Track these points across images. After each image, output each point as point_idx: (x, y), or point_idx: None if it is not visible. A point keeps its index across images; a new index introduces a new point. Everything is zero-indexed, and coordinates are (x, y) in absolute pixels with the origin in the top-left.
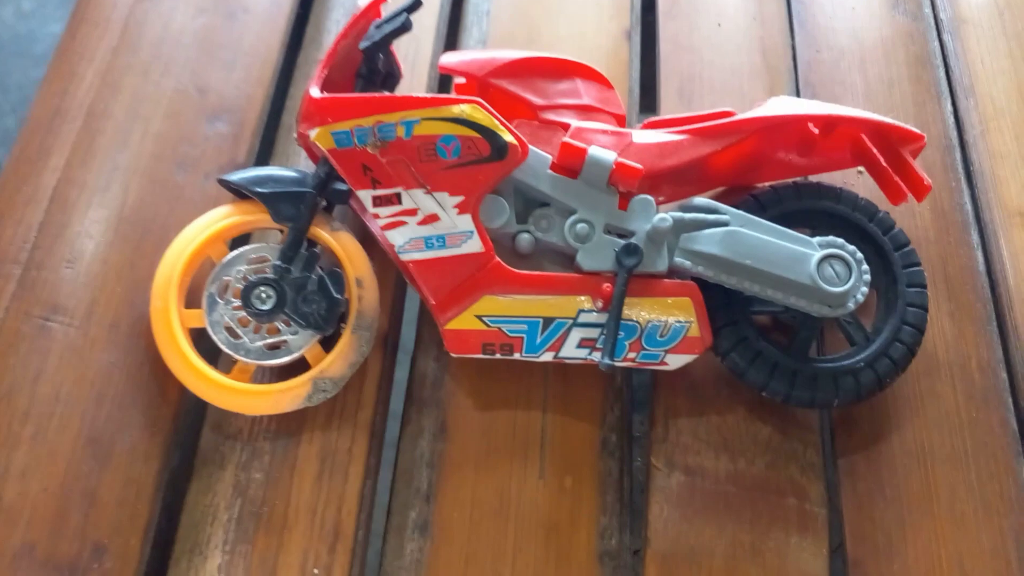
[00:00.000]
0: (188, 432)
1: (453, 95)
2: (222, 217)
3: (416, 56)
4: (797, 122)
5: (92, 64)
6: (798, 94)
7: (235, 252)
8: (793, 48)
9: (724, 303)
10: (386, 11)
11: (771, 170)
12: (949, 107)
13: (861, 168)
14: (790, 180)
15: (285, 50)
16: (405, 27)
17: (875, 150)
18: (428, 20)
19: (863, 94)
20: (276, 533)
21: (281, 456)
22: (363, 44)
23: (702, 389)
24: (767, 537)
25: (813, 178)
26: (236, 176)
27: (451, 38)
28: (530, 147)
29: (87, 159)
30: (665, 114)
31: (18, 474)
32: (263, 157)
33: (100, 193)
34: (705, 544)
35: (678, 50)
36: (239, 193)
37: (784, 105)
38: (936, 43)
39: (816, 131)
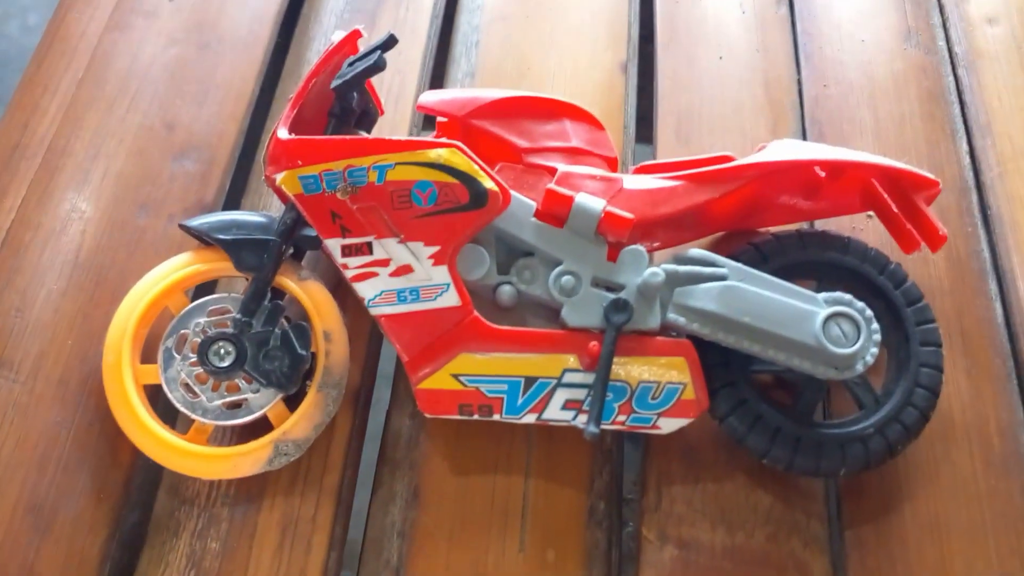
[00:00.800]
0: (141, 495)
1: (430, 138)
2: (182, 265)
3: (401, 91)
4: (802, 167)
5: (55, 97)
6: (804, 131)
7: (194, 303)
8: (799, 82)
9: (722, 362)
10: (364, 45)
11: (774, 215)
12: (965, 146)
13: (871, 212)
14: (794, 228)
15: (262, 83)
16: (378, 66)
17: (886, 196)
18: (414, 52)
19: (872, 132)
20: None
21: (240, 524)
22: (335, 83)
23: (698, 454)
24: None
25: (820, 224)
26: (197, 222)
27: (438, 71)
28: (513, 194)
29: (44, 199)
30: (661, 153)
31: None
32: (234, 198)
33: (55, 237)
34: None
35: (677, 85)
36: (202, 239)
37: (787, 149)
38: (951, 78)
39: (823, 175)
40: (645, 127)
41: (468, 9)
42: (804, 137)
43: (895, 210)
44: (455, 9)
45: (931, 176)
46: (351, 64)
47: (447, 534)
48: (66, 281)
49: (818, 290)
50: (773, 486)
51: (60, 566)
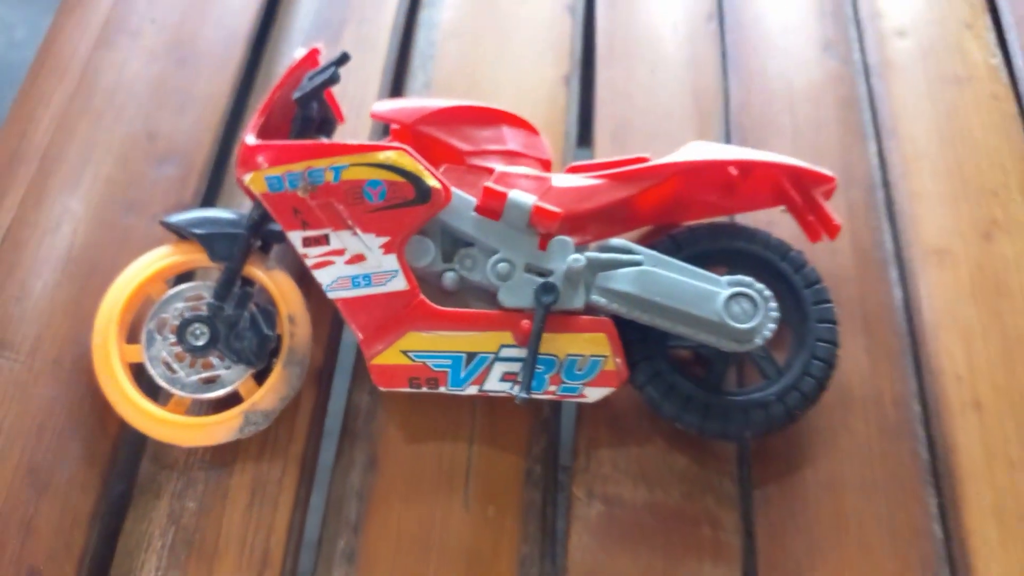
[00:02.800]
0: (128, 463)
1: (381, 142)
2: (162, 257)
3: (363, 100)
4: (715, 166)
5: (49, 109)
6: (728, 137)
7: (173, 290)
8: (725, 92)
9: (641, 338)
10: (324, 60)
11: (696, 210)
12: (874, 148)
13: (783, 207)
14: (707, 221)
15: (235, 95)
16: (333, 79)
17: (792, 192)
18: (375, 66)
19: (791, 136)
20: (207, 560)
21: (214, 486)
22: (296, 95)
23: (623, 421)
24: (681, 565)
25: (739, 218)
26: (175, 218)
27: (398, 82)
28: (454, 191)
29: (40, 200)
30: (600, 156)
31: None
32: (210, 198)
33: (51, 233)
34: (621, 572)
35: (613, 96)
36: (180, 233)
37: (699, 150)
38: (864, 86)
39: (736, 173)
40: (587, 133)
41: (425, 27)
42: (728, 141)
43: (800, 204)
44: (413, 26)
45: (828, 173)
46: (311, 78)
47: (400, 495)
48: (60, 273)
49: (728, 275)
50: (689, 449)
51: (56, 521)
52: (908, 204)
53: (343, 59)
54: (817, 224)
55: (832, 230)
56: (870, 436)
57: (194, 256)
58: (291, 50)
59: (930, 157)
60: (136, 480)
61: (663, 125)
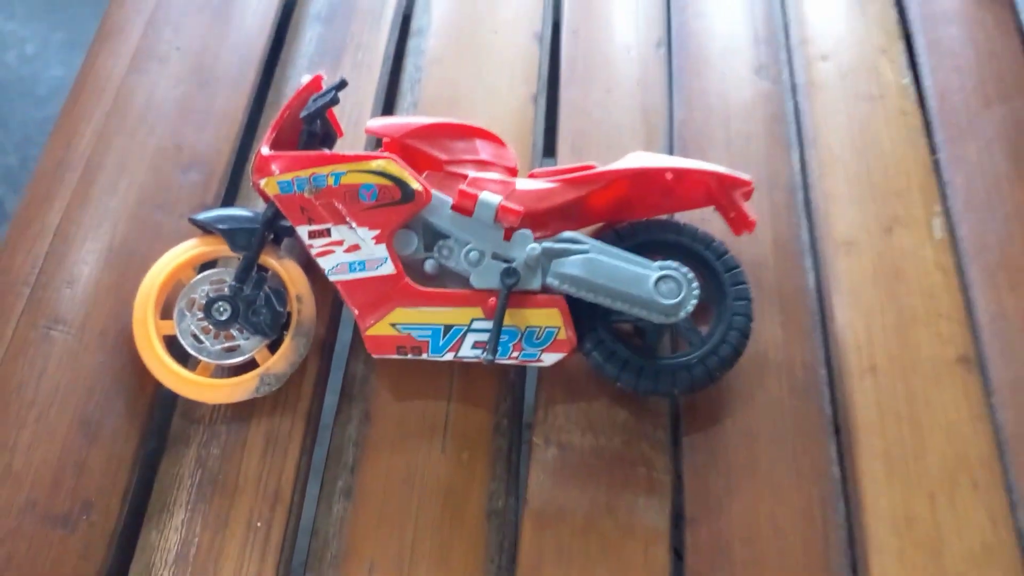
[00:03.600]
0: (162, 418)
1: (374, 153)
2: (190, 248)
3: (360, 115)
4: (652, 173)
5: (90, 124)
6: (671, 148)
7: (200, 275)
8: (670, 109)
9: (589, 314)
10: (327, 84)
11: (641, 209)
12: (796, 156)
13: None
14: (649, 217)
15: (249, 112)
16: (334, 101)
17: (717, 194)
18: (369, 87)
19: (725, 146)
20: (228, 496)
21: (235, 436)
22: (303, 114)
23: (575, 382)
24: (620, 499)
25: (679, 216)
26: (202, 216)
27: (389, 101)
28: (434, 192)
29: (84, 202)
30: (561, 164)
31: (24, 448)
32: (228, 199)
33: (94, 230)
34: (571, 503)
35: (574, 112)
36: (205, 229)
37: (638, 159)
38: (791, 103)
39: (671, 178)
40: (552, 144)
41: (413, 54)
42: (672, 152)
43: (723, 204)
44: (403, 53)
45: (746, 177)
46: (315, 100)
47: (390, 443)
48: (103, 261)
49: (659, 261)
50: (629, 404)
51: (103, 464)
52: (823, 203)
53: (342, 84)
54: (738, 220)
55: (749, 225)
56: (782, 394)
57: (218, 247)
58: (298, 73)
59: (844, 163)
60: (169, 432)
61: (616, 138)
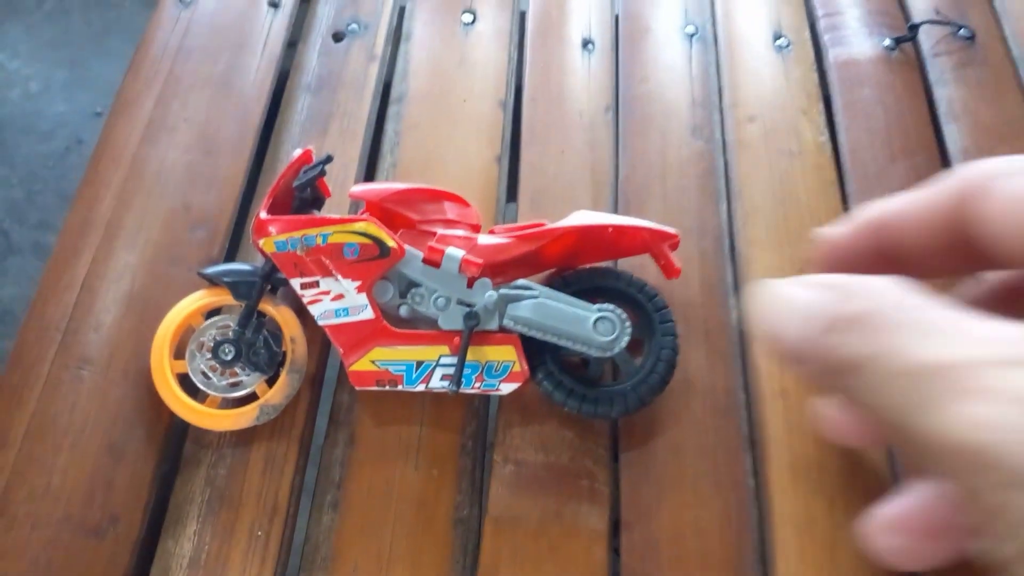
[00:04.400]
0: (176, 443)
1: (356, 215)
2: (199, 298)
3: (345, 176)
4: (596, 229)
5: (110, 189)
6: (616, 202)
7: (208, 321)
8: (616, 167)
9: (539, 349)
10: (317, 154)
11: (587, 258)
12: (724, 207)
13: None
14: (591, 265)
15: (248, 175)
16: (321, 173)
17: (650, 245)
18: (354, 151)
19: (662, 200)
20: (233, 509)
21: (239, 458)
22: (295, 184)
23: (530, 408)
24: (566, 506)
25: (622, 263)
26: (209, 270)
27: (372, 161)
28: (407, 248)
29: (107, 258)
30: (521, 218)
31: (61, 470)
32: (231, 253)
33: (116, 282)
34: (525, 511)
35: (532, 171)
36: (211, 281)
37: (583, 217)
38: (721, 160)
39: (611, 232)
40: (513, 198)
41: (393, 119)
42: (616, 205)
43: (654, 253)
44: (384, 119)
45: (673, 231)
46: (305, 171)
47: (371, 462)
48: (125, 309)
49: (598, 303)
50: (575, 426)
51: (127, 482)
52: (745, 249)
53: (328, 159)
54: (667, 267)
55: (675, 272)
56: (706, 415)
57: (222, 297)
58: (291, 138)
59: (764, 213)
60: (183, 455)
61: (569, 193)
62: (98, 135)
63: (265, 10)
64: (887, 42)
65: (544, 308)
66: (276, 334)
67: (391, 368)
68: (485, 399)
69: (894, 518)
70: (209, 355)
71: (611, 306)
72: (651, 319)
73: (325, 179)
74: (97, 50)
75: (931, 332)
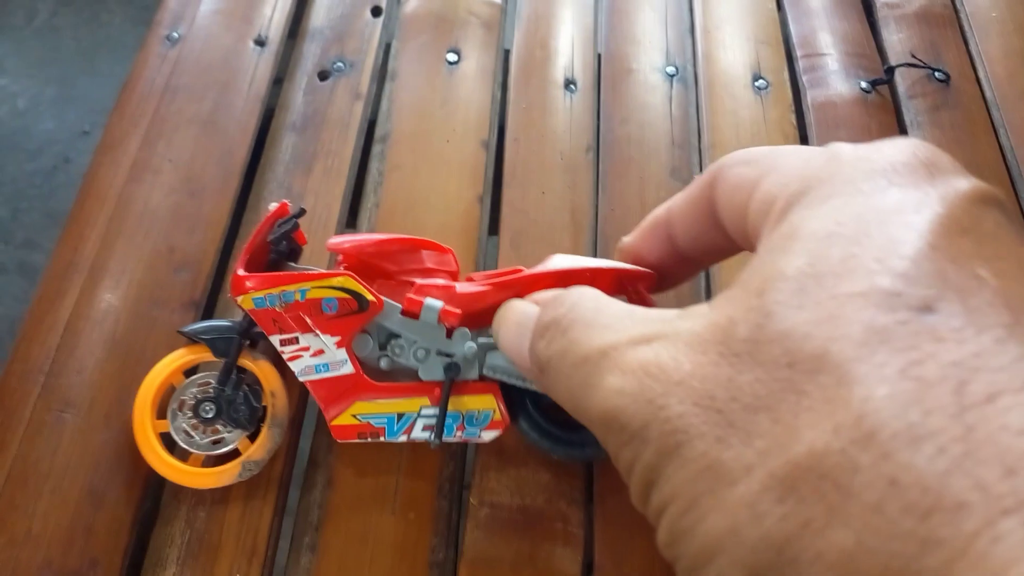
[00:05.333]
0: (156, 487)
1: (333, 271)
2: (179, 357)
3: (328, 217)
4: (574, 272)
5: (94, 229)
6: (595, 242)
7: (188, 380)
8: (596, 207)
9: (520, 397)
10: (293, 206)
11: None
12: None
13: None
14: None
15: (232, 217)
16: (295, 227)
17: (626, 286)
18: (338, 189)
19: None
20: (212, 551)
21: (218, 501)
22: (270, 238)
23: (507, 452)
24: (541, 548)
25: None
26: (188, 328)
27: (355, 201)
28: (386, 300)
29: (90, 299)
30: (502, 257)
31: (42, 515)
32: (213, 295)
33: (99, 324)
34: (499, 554)
35: (513, 211)
36: (192, 339)
37: (559, 262)
38: None
39: (589, 275)
40: (496, 228)
41: (376, 159)
42: (596, 245)
43: (629, 293)
44: (368, 158)
45: (646, 270)
46: (280, 225)
47: (348, 506)
48: (108, 352)
49: None
50: (551, 469)
51: (107, 527)
52: (721, 290)
53: (301, 213)
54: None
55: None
56: None
57: (202, 354)
58: (276, 179)
59: (738, 255)
60: (162, 498)
61: (549, 234)
62: (85, 154)
63: (251, 48)
64: (863, 84)
65: None
66: (256, 389)
67: (372, 421)
68: (463, 444)
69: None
70: (190, 414)
71: None
72: None
73: (305, 222)
74: (86, 68)
75: (601, 326)
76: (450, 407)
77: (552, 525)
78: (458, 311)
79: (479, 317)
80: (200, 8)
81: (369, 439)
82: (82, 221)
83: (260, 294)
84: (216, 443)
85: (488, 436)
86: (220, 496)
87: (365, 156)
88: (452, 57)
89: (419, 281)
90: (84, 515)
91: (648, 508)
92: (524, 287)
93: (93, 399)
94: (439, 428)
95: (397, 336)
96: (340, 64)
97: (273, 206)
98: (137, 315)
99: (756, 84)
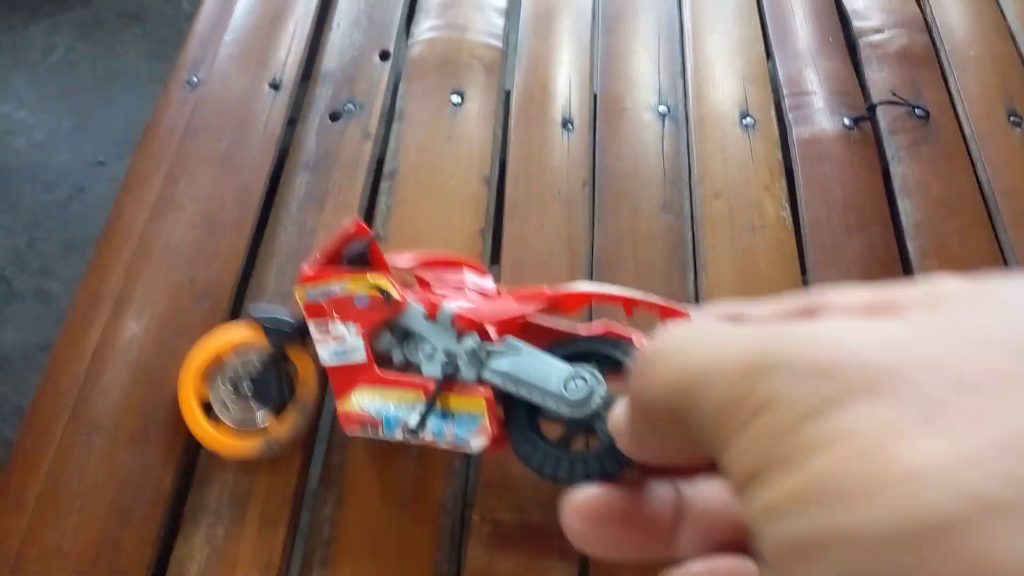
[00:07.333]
0: (177, 505)
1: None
2: (234, 333)
3: None
4: (608, 298)
5: (119, 262)
6: (591, 272)
7: (236, 356)
8: (592, 239)
9: (526, 410)
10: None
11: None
12: (691, 279)
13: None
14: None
15: (248, 251)
16: (369, 247)
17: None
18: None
19: (634, 271)
20: (230, 566)
21: (235, 518)
22: (345, 257)
23: (508, 469)
24: (538, 563)
25: None
26: (255, 312)
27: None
28: (410, 301)
29: (116, 329)
30: (503, 287)
31: (72, 530)
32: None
33: (124, 352)
34: (499, 568)
35: (514, 242)
36: (255, 322)
37: (583, 286)
38: (689, 234)
39: (622, 303)
40: (497, 259)
41: (384, 194)
42: (591, 274)
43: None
44: (376, 193)
45: (683, 310)
46: (353, 246)
47: (358, 522)
48: (132, 379)
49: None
50: (551, 487)
51: (133, 543)
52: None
53: (371, 238)
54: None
55: None
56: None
57: (255, 336)
58: (290, 214)
59: (729, 285)
60: (183, 516)
61: (547, 262)
62: (100, 184)
63: (267, 91)
64: (847, 121)
65: (521, 363)
66: (290, 374)
67: (372, 411)
68: (466, 463)
69: (584, 504)
70: (231, 387)
71: (587, 366)
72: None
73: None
74: (101, 99)
75: None
76: (442, 407)
77: (549, 540)
78: (470, 316)
79: (506, 330)
80: (219, 53)
81: (370, 430)
82: (108, 255)
83: (312, 287)
84: (248, 418)
85: (476, 444)
86: (237, 514)
87: (374, 191)
88: (456, 99)
89: (447, 292)
90: (111, 531)
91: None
92: (544, 303)
93: (119, 422)
94: (423, 417)
95: (413, 335)
96: (351, 105)
97: (347, 222)
98: (160, 343)
99: (744, 122)
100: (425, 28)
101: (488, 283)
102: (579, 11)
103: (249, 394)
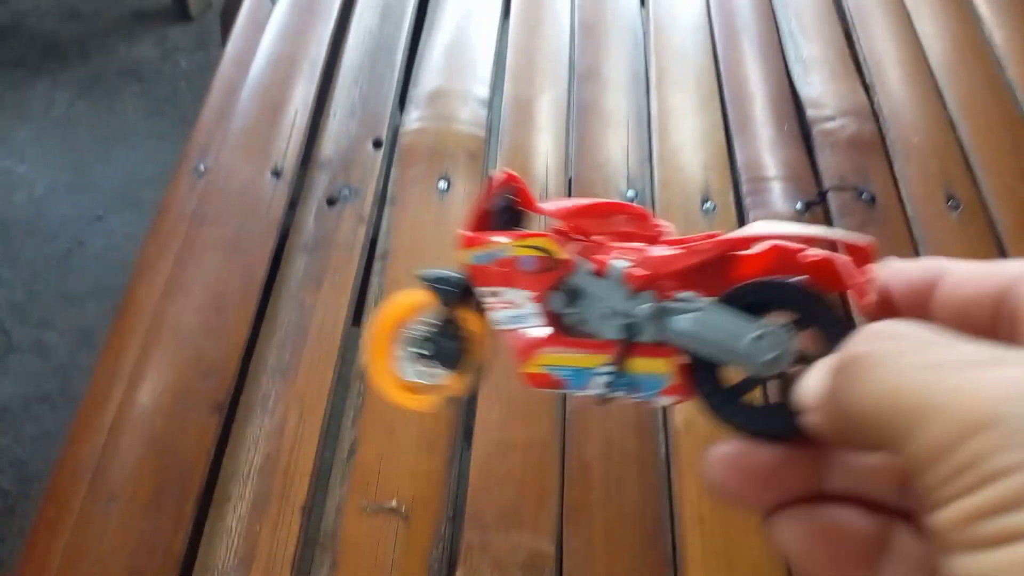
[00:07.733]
0: (186, 568)
1: (534, 230)
2: (416, 297)
3: (334, 323)
4: (787, 253)
5: (134, 339)
6: None
7: (419, 317)
8: None
9: (705, 366)
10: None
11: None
12: None
13: None
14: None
15: (251, 330)
16: (514, 197)
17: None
18: (343, 300)
19: None
20: None
21: (247, 548)
22: (490, 207)
23: (488, 529)
24: None
25: None
26: (423, 272)
27: (358, 311)
28: (577, 260)
29: (131, 403)
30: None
31: None
32: (236, 395)
33: (139, 426)
34: None
35: None
36: (427, 286)
37: (760, 227)
38: None
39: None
40: None
41: (377, 274)
42: None
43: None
44: (370, 273)
45: (864, 242)
46: (503, 196)
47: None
48: (147, 448)
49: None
50: (520, 546)
51: None
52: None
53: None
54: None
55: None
56: (636, 539)
57: (433, 300)
58: (290, 293)
59: None
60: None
61: None
62: (99, 238)
63: (269, 178)
64: (799, 206)
65: (705, 322)
66: (468, 338)
67: (557, 373)
68: (451, 527)
69: (729, 455)
70: (412, 347)
71: (777, 322)
72: (827, 332)
73: (316, 323)
74: (101, 156)
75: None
76: (625, 369)
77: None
78: (642, 272)
79: (673, 281)
80: (225, 141)
81: (555, 390)
82: (122, 333)
83: (477, 251)
84: (429, 376)
85: (664, 401)
86: (241, 575)
87: (367, 271)
88: (443, 184)
89: (614, 244)
90: None
91: None
92: (719, 249)
93: (135, 491)
94: (610, 385)
95: (584, 295)
96: (346, 191)
97: (497, 173)
98: (172, 416)
99: (704, 206)
100: (414, 118)
101: (650, 226)
102: (556, 99)
103: (428, 354)
